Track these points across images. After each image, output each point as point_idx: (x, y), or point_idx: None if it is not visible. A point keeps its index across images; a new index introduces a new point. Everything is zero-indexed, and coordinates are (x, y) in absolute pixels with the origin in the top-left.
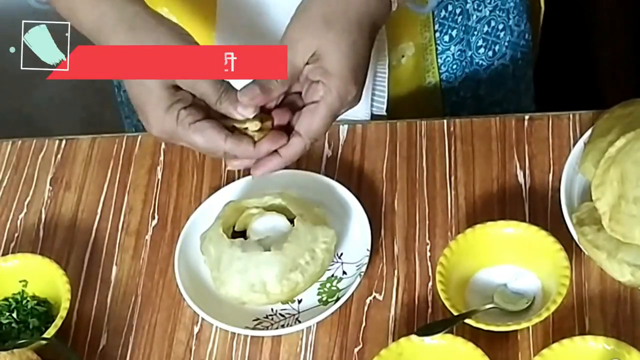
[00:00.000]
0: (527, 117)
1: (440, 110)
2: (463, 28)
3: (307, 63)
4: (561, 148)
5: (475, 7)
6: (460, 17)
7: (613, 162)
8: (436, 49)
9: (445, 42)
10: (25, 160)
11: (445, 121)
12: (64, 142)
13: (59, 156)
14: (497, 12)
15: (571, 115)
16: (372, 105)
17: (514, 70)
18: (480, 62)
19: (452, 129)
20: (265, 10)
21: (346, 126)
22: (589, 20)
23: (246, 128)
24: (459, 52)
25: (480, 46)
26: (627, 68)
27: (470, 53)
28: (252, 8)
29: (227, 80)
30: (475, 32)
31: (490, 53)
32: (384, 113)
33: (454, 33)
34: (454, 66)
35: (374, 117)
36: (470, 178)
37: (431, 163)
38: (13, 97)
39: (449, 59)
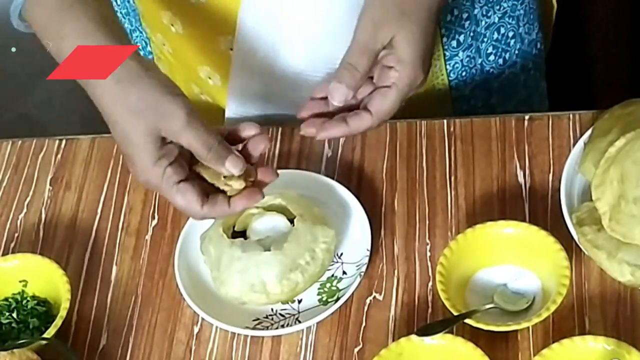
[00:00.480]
0: (527, 117)
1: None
2: (471, 34)
3: (383, 48)
4: (561, 148)
5: (484, 12)
6: (468, 22)
7: (613, 162)
8: (444, 55)
9: (453, 47)
10: (25, 160)
11: (445, 121)
12: (64, 142)
13: (59, 156)
14: (507, 19)
15: (571, 115)
16: None
17: (525, 80)
18: (491, 70)
19: (452, 129)
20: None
21: None
22: (585, 19)
23: (228, 184)
24: (467, 59)
25: (490, 53)
26: (623, 68)
27: (480, 60)
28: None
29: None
30: (485, 39)
31: (500, 61)
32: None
33: (461, 38)
34: (464, 73)
35: None
36: (470, 178)
37: (431, 163)
38: (13, 97)
39: (457, 65)
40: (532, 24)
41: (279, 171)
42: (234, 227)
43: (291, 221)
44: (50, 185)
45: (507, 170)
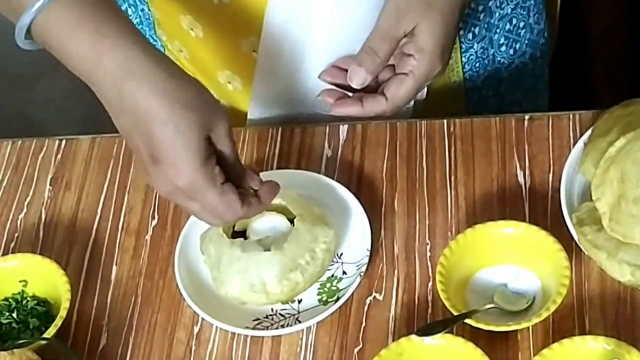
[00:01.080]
0: (527, 117)
1: (464, 109)
2: (485, 26)
3: (404, 36)
4: (561, 148)
5: (498, 4)
6: (483, 14)
7: (613, 162)
8: (460, 47)
9: (469, 40)
10: (25, 160)
11: (445, 121)
12: (64, 142)
13: (59, 156)
14: (519, 9)
15: (571, 115)
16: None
17: (533, 69)
18: (502, 60)
19: (452, 129)
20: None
21: (346, 126)
22: (586, 19)
23: None
24: (481, 50)
25: (502, 44)
26: (623, 68)
27: (492, 51)
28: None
29: None
30: (498, 30)
31: (511, 51)
32: (423, 96)
33: (476, 31)
34: (477, 64)
35: (417, 102)
36: (470, 178)
37: (431, 163)
38: (13, 97)
39: (472, 57)
40: (540, 13)
41: (278, 171)
42: (233, 227)
43: (291, 221)
44: (50, 185)
45: (507, 170)
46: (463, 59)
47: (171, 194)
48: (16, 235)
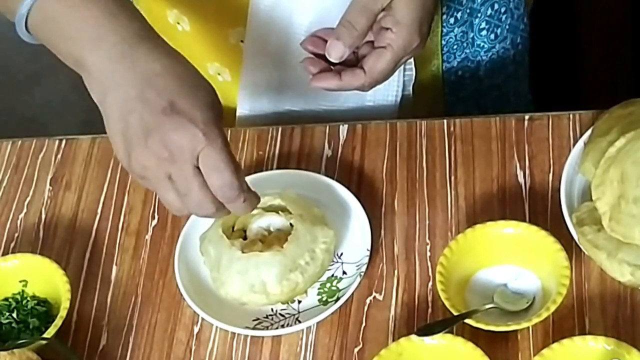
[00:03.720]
0: (527, 117)
1: (440, 90)
2: (468, 10)
3: (382, 10)
4: (561, 148)
5: None
6: None
7: (613, 162)
8: (441, 31)
9: (450, 24)
10: (25, 160)
11: (445, 121)
12: (64, 142)
13: (59, 156)
14: None
15: (571, 115)
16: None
17: (514, 54)
18: (482, 44)
19: (452, 129)
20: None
21: (346, 126)
22: (585, 19)
23: None
24: (461, 34)
25: (483, 29)
26: (623, 68)
27: (472, 35)
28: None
29: None
30: (479, 15)
31: (492, 36)
32: (411, 94)
33: (459, 15)
34: (455, 47)
35: (404, 99)
36: (470, 178)
37: (431, 163)
38: (13, 97)
39: (451, 39)
40: None
41: (278, 171)
42: (233, 227)
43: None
44: (50, 185)
45: (507, 170)
46: (442, 41)
47: (170, 155)
48: (16, 235)
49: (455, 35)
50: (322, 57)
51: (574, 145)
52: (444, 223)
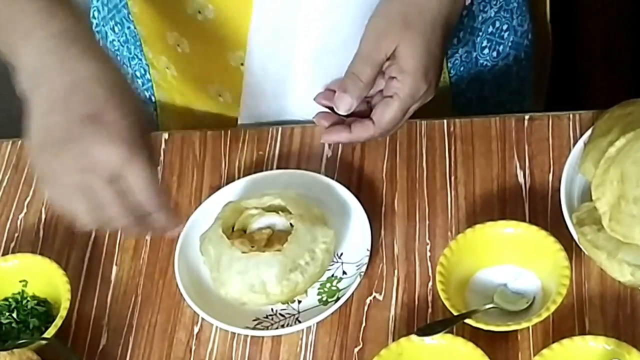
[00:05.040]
0: (527, 117)
1: (450, 113)
2: (469, 29)
3: (387, 59)
4: (561, 148)
5: (481, 8)
6: (466, 18)
7: (613, 162)
8: (446, 53)
9: (454, 45)
10: (25, 160)
11: (445, 121)
12: None
13: None
14: (502, 12)
15: (571, 115)
16: None
17: (517, 70)
18: (485, 62)
19: (452, 129)
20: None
21: None
22: (585, 19)
23: None
24: (465, 54)
25: (485, 47)
26: (623, 68)
27: (475, 54)
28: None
29: None
30: (480, 33)
31: (494, 54)
32: None
33: (460, 35)
34: (462, 68)
35: None
36: (470, 178)
37: (431, 163)
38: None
39: (457, 61)
40: (524, 15)
41: (278, 171)
42: (233, 227)
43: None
44: None
45: (507, 170)
46: (449, 64)
47: (89, 167)
48: (16, 235)
49: (460, 57)
50: (334, 110)
51: (574, 145)
52: (444, 223)
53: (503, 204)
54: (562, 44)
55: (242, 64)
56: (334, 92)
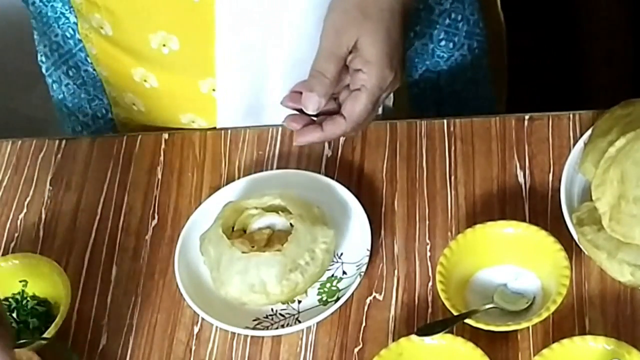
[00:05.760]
0: (527, 117)
1: (405, 104)
2: (426, 22)
3: (349, 53)
4: (561, 148)
5: (437, 0)
6: (424, 11)
7: (613, 162)
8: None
9: (411, 37)
10: (25, 160)
11: (445, 121)
12: (64, 142)
13: (59, 156)
14: (456, 3)
15: (571, 115)
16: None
17: (472, 59)
18: (442, 54)
19: (452, 129)
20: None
21: None
22: (585, 19)
23: None
24: (421, 46)
25: (442, 39)
26: (623, 68)
27: (432, 46)
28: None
29: None
30: (438, 26)
31: (450, 45)
32: (391, 105)
33: (417, 29)
34: (417, 59)
35: (385, 109)
36: (470, 178)
37: (431, 163)
38: (13, 97)
39: (412, 53)
40: (473, 4)
41: (278, 171)
42: (233, 227)
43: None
44: (50, 185)
45: (507, 170)
46: (404, 56)
47: None
48: (16, 235)
49: (416, 49)
50: (304, 111)
51: (574, 145)
52: (444, 223)
53: (503, 204)
54: (562, 44)
55: (213, 90)
56: (300, 93)
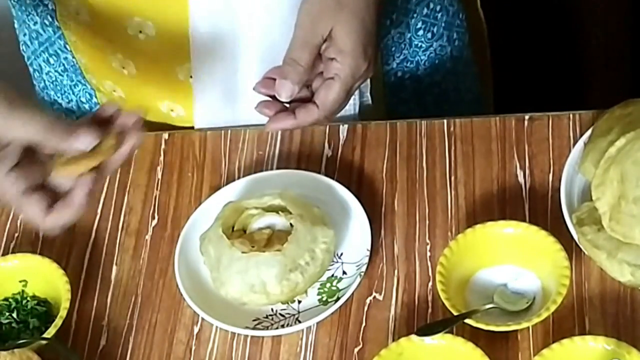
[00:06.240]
0: (527, 117)
1: (381, 92)
2: (403, 11)
3: (324, 41)
4: (561, 148)
5: None
6: (401, 0)
7: (613, 162)
8: (378, 34)
9: (386, 26)
10: None
11: (445, 121)
12: None
13: None
14: None
15: (571, 115)
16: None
17: (451, 50)
18: (419, 44)
19: (452, 129)
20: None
21: (346, 126)
22: (585, 19)
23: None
24: (398, 35)
25: (420, 28)
26: (623, 68)
27: (409, 35)
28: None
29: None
30: (415, 15)
31: (429, 35)
32: (369, 101)
33: (394, 17)
34: (393, 48)
35: (362, 105)
36: (470, 178)
37: (431, 163)
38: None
39: (388, 41)
40: None
41: (278, 171)
42: (233, 227)
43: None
44: None
45: (507, 170)
46: (380, 44)
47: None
48: (16, 235)
49: (392, 37)
50: (277, 98)
51: (574, 145)
52: (444, 223)
53: (503, 204)
54: (562, 44)
55: (190, 77)
56: (273, 80)
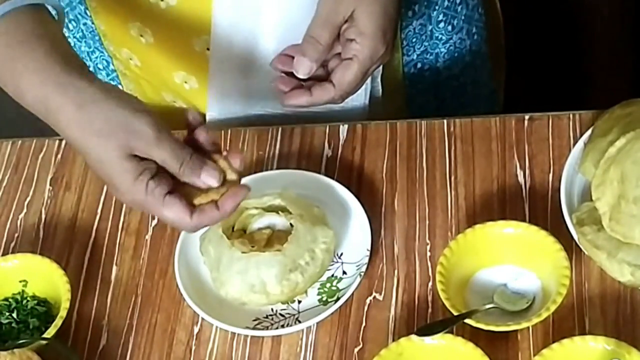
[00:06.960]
0: (527, 117)
1: (401, 83)
2: (425, 3)
3: (345, 22)
4: (561, 148)
5: None
6: None
7: (613, 162)
8: (400, 25)
9: (409, 17)
10: (25, 160)
11: (445, 121)
12: (64, 142)
13: (59, 156)
14: None
15: (571, 115)
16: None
17: (470, 44)
18: (440, 36)
19: (452, 129)
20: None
21: (346, 126)
22: (586, 19)
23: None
24: (420, 26)
25: (441, 20)
26: (624, 68)
27: (430, 27)
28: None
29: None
30: (437, 7)
31: (449, 27)
32: (379, 87)
33: (416, 8)
34: (414, 39)
35: (372, 98)
36: (470, 178)
37: (431, 163)
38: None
39: (410, 32)
40: None
41: (278, 171)
42: (233, 227)
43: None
44: (50, 185)
45: (507, 170)
46: (402, 35)
47: (134, 207)
48: (16, 235)
49: (414, 28)
50: (293, 75)
51: (574, 145)
52: (444, 223)
53: (503, 204)
54: (562, 44)
55: (207, 49)
56: (291, 57)
